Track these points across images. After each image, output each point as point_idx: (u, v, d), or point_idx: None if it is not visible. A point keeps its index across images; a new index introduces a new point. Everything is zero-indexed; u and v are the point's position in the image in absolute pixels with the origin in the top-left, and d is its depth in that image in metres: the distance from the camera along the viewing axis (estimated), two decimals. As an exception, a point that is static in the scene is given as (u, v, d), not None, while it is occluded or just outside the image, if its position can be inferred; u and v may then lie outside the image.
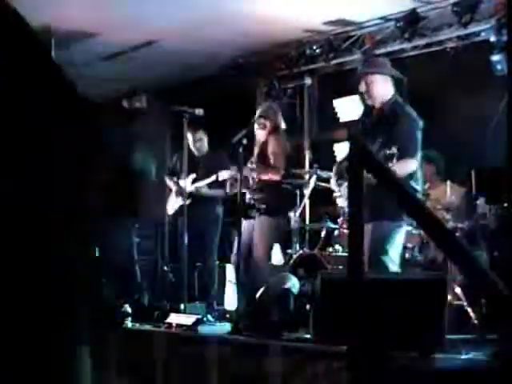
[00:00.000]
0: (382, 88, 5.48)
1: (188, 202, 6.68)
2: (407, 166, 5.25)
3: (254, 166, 6.76)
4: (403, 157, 5.19)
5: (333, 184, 5.78)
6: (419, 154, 5.38)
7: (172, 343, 5.03)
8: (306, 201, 7.54)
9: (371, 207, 5.11)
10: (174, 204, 7.84)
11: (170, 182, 7.93)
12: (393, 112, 5.38)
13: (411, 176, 5.36)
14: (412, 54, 7.93)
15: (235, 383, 4.50)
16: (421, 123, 5.38)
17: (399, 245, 5.46)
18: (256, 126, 6.67)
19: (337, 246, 6.98)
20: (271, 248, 6.74)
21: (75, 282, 1.81)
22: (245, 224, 6.43)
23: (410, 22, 7.82)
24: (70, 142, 1.79)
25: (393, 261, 5.29)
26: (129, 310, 5.89)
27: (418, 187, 5.51)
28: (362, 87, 5.55)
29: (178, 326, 5.39)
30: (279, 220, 6.82)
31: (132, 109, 10.19)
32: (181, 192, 6.89)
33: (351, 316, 3.39)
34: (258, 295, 5.45)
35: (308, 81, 9.28)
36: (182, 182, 6.94)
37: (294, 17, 8.08)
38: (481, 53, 7.35)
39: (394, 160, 5.05)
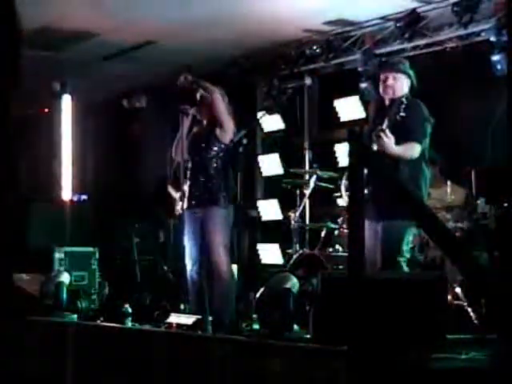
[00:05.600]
0: (401, 86, 5.52)
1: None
2: (411, 149, 5.26)
3: None
4: (408, 139, 5.22)
5: (343, 189, 5.77)
6: (425, 143, 5.36)
7: (172, 343, 5.02)
8: (306, 201, 7.55)
9: (384, 206, 5.13)
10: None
11: (171, 190, 6.89)
12: (404, 103, 5.40)
13: (424, 179, 5.37)
14: (412, 53, 7.93)
15: (235, 383, 4.49)
16: (431, 118, 5.40)
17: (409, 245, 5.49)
18: None
19: (337, 246, 6.99)
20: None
21: None
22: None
23: (410, 22, 7.82)
24: None
25: (406, 261, 5.31)
26: (129, 310, 5.88)
27: (427, 190, 5.50)
28: (385, 80, 5.56)
29: (178, 325, 5.39)
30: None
31: (132, 109, 10.20)
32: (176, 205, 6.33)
33: (351, 316, 3.39)
34: (258, 295, 5.44)
35: (308, 81, 9.28)
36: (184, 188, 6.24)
37: (294, 17, 8.08)
38: (481, 53, 7.35)
39: (387, 133, 5.09)
